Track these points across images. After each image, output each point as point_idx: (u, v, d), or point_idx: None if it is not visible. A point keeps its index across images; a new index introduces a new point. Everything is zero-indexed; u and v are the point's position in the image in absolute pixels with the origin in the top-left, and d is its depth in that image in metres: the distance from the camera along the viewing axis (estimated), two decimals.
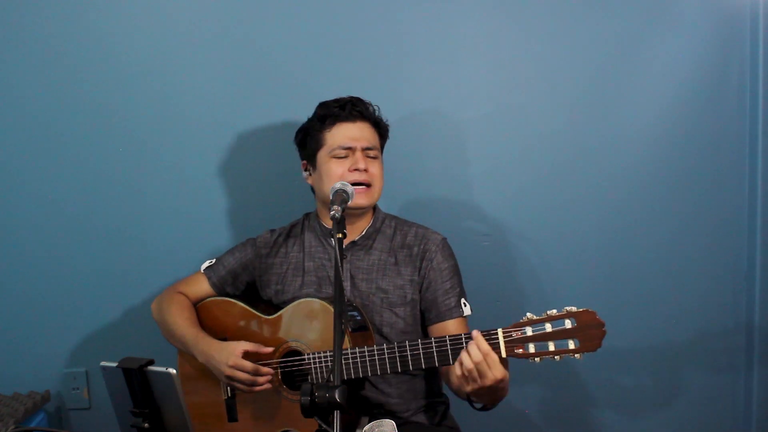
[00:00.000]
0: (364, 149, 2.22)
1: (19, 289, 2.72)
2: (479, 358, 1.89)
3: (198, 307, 2.35)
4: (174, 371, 1.75)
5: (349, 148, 2.21)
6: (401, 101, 2.63)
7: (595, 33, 2.66)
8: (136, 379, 1.79)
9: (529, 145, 2.70)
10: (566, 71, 2.68)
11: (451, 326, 2.22)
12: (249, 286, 2.38)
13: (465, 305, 2.24)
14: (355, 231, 2.27)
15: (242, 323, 2.26)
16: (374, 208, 2.33)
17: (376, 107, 2.30)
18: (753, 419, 2.78)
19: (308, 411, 1.68)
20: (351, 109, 2.23)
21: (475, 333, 1.91)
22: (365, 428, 1.75)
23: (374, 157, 2.24)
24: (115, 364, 1.82)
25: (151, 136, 2.67)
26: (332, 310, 2.05)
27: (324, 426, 1.68)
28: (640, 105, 2.68)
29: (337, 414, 1.67)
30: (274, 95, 2.65)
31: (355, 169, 2.19)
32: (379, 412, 2.21)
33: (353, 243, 2.27)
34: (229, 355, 2.13)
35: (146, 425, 1.82)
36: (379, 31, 2.67)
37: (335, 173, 2.20)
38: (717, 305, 2.77)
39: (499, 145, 2.70)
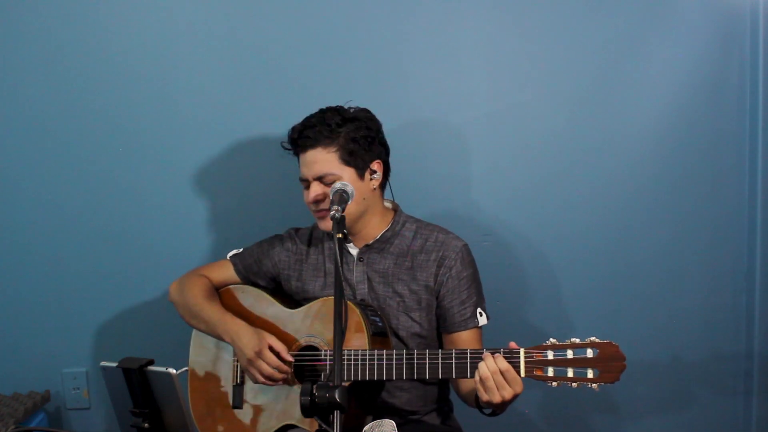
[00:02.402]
0: (317, 178, 2.18)
1: (19, 289, 2.72)
2: (495, 369, 1.92)
3: (221, 291, 2.36)
4: (174, 371, 1.75)
5: (306, 180, 2.21)
6: (401, 102, 2.63)
7: (595, 33, 2.66)
8: (136, 379, 1.79)
9: (529, 145, 2.70)
10: (566, 71, 2.68)
11: (465, 337, 2.22)
12: (271, 279, 2.38)
13: (481, 315, 2.23)
14: (369, 235, 2.26)
15: (264, 312, 2.27)
16: (395, 211, 2.31)
17: (343, 113, 2.19)
18: (753, 419, 2.78)
19: (308, 411, 1.68)
20: (298, 139, 2.20)
21: (498, 356, 1.94)
22: (365, 428, 1.75)
23: (332, 182, 2.13)
24: (115, 364, 1.82)
25: (151, 136, 2.67)
26: (356, 310, 2.08)
27: (324, 426, 1.68)
28: (640, 105, 2.68)
29: (337, 414, 1.67)
30: (275, 98, 2.65)
31: (310, 201, 2.19)
32: (386, 413, 2.20)
33: (367, 246, 2.25)
34: (258, 343, 2.14)
35: (146, 425, 1.82)
36: (379, 32, 2.67)
37: (304, 199, 2.23)
38: (717, 305, 2.77)
39: (499, 145, 2.71)
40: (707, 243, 2.75)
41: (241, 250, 2.40)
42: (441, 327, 2.26)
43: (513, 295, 2.74)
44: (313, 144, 2.17)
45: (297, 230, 2.40)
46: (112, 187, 2.69)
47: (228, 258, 2.39)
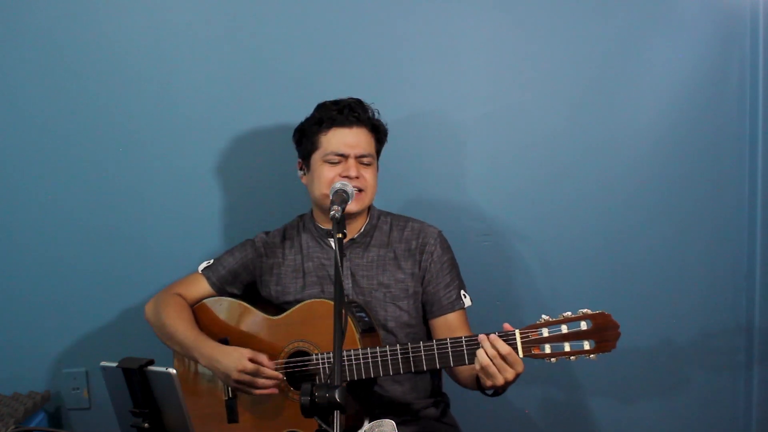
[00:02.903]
0: (358, 157, 2.21)
1: (19, 289, 2.72)
2: (494, 353, 1.94)
3: (197, 307, 2.34)
4: (174, 371, 1.75)
5: (343, 155, 2.20)
6: (401, 101, 2.63)
7: (595, 33, 2.66)
8: (136, 379, 1.79)
9: (529, 145, 2.70)
10: (566, 71, 2.68)
11: (453, 318, 2.26)
12: (248, 286, 2.37)
13: (465, 296, 2.28)
14: (353, 229, 2.29)
15: (246, 323, 2.26)
16: (369, 207, 2.33)
17: (375, 110, 2.29)
18: (753, 420, 2.78)
19: (308, 411, 1.68)
20: (348, 113, 2.21)
21: (493, 336, 1.96)
22: (365, 428, 1.75)
23: (368, 164, 2.23)
24: (115, 364, 1.82)
25: (151, 136, 2.67)
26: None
27: (324, 426, 1.68)
28: (640, 105, 2.68)
29: (337, 414, 1.67)
30: (274, 96, 2.65)
31: (346, 176, 2.18)
32: (381, 411, 2.21)
33: (352, 241, 2.28)
34: (238, 360, 2.12)
35: (146, 425, 1.82)
36: (379, 31, 2.67)
37: (326, 178, 2.20)
38: (717, 305, 2.77)
39: (499, 145, 2.70)
40: (707, 243, 2.75)
41: (211, 261, 2.38)
42: (428, 313, 2.28)
43: (513, 295, 2.74)
44: (360, 123, 2.24)
45: (267, 233, 2.39)
46: (112, 186, 2.69)
47: (200, 272, 2.37)
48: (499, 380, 1.95)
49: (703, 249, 2.75)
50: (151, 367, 1.78)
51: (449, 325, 2.25)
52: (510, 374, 1.95)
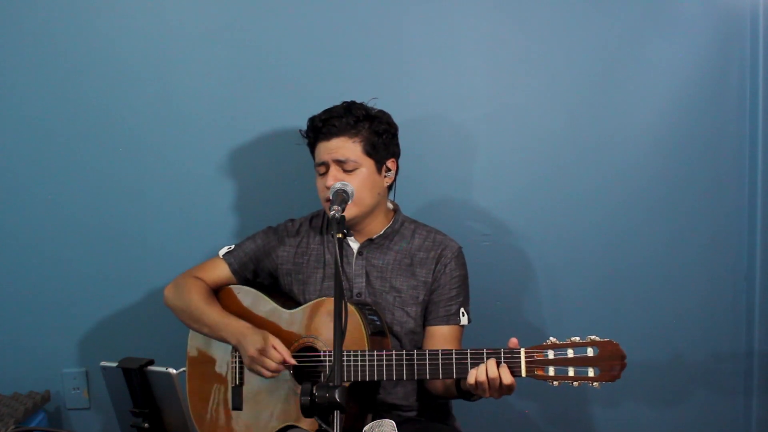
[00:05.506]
0: (337, 162, 2.20)
1: (19, 289, 2.72)
2: (495, 375, 1.93)
3: (220, 292, 2.34)
4: (174, 371, 1.75)
5: (324, 164, 2.22)
6: (402, 102, 2.62)
7: (595, 33, 2.66)
8: (136, 379, 1.79)
9: (529, 145, 2.70)
10: (566, 71, 2.68)
11: (447, 331, 2.25)
12: (268, 274, 2.38)
13: (464, 315, 2.27)
14: (372, 230, 2.29)
15: (261, 313, 2.26)
16: (395, 210, 2.34)
17: (368, 109, 2.25)
18: (753, 419, 2.78)
19: (308, 410, 1.68)
20: (324, 125, 2.22)
21: (503, 368, 1.95)
22: (365, 428, 1.75)
23: (351, 170, 2.21)
24: (115, 364, 1.82)
25: (151, 136, 2.67)
26: (355, 311, 2.09)
27: (324, 426, 1.68)
28: (640, 105, 2.69)
29: (337, 414, 1.67)
30: (275, 96, 2.65)
31: (327, 187, 2.19)
32: (383, 409, 2.22)
33: (370, 240, 2.28)
34: (261, 341, 2.13)
35: (146, 425, 1.82)
36: (380, 31, 2.67)
37: (318, 188, 2.26)
38: (717, 305, 2.77)
39: (499, 145, 2.71)
40: (707, 243, 2.75)
41: (232, 247, 2.38)
42: (425, 320, 2.28)
43: (512, 295, 2.74)
44: (339, 133, 2.22)
45: (293, 221, 2.40)
46: (112, 187, 2.69)
47: (221, 257, 2.37)
48: (487, 395, 1.97)
49: (703, 249, 2.75)
50: (151, 367, 1.79)
51: (440, 337, 2.24)
52: (500, 394, 1.96)
